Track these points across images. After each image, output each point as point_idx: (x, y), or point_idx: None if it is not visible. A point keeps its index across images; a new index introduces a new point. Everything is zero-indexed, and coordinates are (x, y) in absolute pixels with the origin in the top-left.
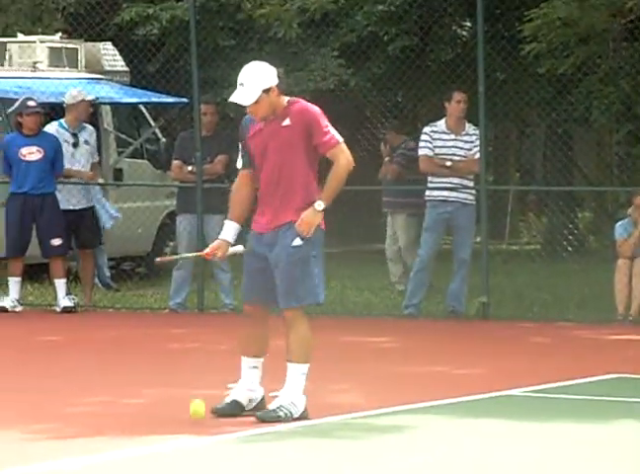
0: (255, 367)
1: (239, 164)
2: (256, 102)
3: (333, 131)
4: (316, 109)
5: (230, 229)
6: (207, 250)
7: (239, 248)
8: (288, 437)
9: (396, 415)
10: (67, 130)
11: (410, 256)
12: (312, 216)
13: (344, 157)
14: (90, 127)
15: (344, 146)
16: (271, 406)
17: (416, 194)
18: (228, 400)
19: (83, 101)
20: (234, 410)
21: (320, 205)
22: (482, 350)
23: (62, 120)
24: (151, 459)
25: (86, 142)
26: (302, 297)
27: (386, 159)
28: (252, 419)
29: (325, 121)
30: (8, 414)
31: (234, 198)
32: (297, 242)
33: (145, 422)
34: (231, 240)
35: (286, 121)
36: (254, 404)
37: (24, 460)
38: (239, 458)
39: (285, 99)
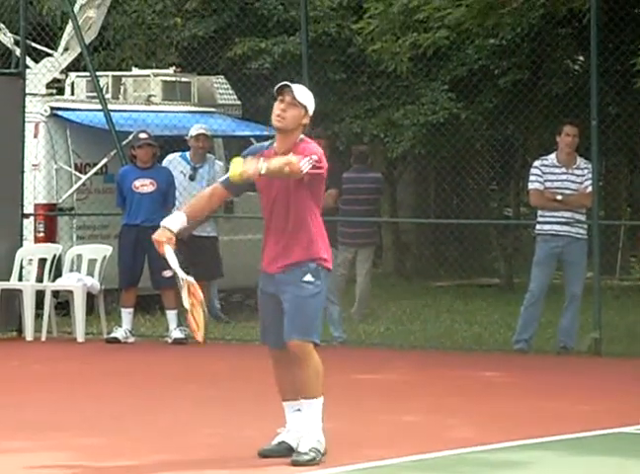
0: (298, 410)
1: (223, 178)
2: (295, 104)
3: (310, 161)
4: (318, 149)
5: (178, 219)
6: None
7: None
8: (403, 472)
9: (510, 450)
10: (188, 163)
11: (365, 288)
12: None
13: (298, 162)
14: (218, 163)
15: (303, 168)
16: (301, 448)
17: (367, 225)
18: (276, 441)
19: (202, 135)
20: (281, 452)
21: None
22: (594, 386)
23: (187, 153)
24: None
25: (204, 178)
26: (311, 332)
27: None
28: (370, 453)
29: (315, 157)
30: (127, 444)
31: (200, 203)
32: (308, 278)
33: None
34: (175, 230)
35: None
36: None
37: None
38: None
39: (301, 136)
